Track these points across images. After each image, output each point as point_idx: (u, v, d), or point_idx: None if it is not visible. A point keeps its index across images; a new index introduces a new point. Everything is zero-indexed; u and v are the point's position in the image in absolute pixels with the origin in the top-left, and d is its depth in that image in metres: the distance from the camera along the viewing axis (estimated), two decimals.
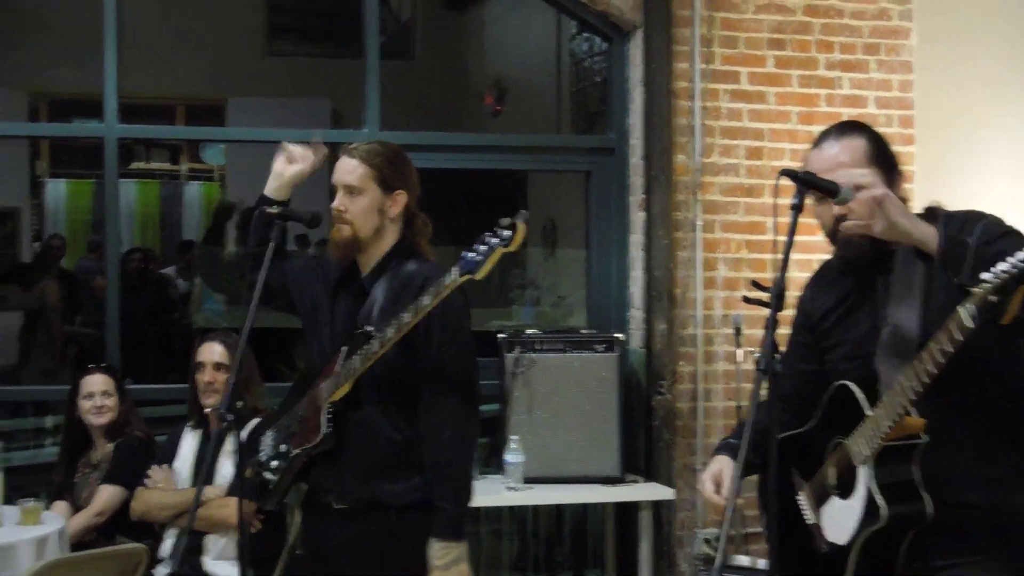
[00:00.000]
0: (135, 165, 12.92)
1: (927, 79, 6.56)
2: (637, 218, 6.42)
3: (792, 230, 2.97)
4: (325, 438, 3.71)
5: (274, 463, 3.85)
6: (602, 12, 6.48)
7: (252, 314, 3.77)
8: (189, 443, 5.39)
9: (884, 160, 3.14)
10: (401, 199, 3.82)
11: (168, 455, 5.41)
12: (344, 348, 3.71)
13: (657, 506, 6.11)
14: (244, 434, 4.21)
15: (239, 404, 3.72)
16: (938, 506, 2.92)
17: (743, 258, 6.41)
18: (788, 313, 3.10)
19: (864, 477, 2.97)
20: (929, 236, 2.92)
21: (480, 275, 3.37)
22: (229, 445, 5.01)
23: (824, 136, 3.22)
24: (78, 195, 12.96)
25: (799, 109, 6.51)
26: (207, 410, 5.26)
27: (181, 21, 11.01)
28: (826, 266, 3.38)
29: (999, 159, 5.91)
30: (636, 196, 6.43)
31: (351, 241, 3.79)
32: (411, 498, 3.71)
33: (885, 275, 3.12)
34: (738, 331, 6.12)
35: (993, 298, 2.58)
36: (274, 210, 3.92)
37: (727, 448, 3.42)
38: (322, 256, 4.08)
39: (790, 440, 3.22)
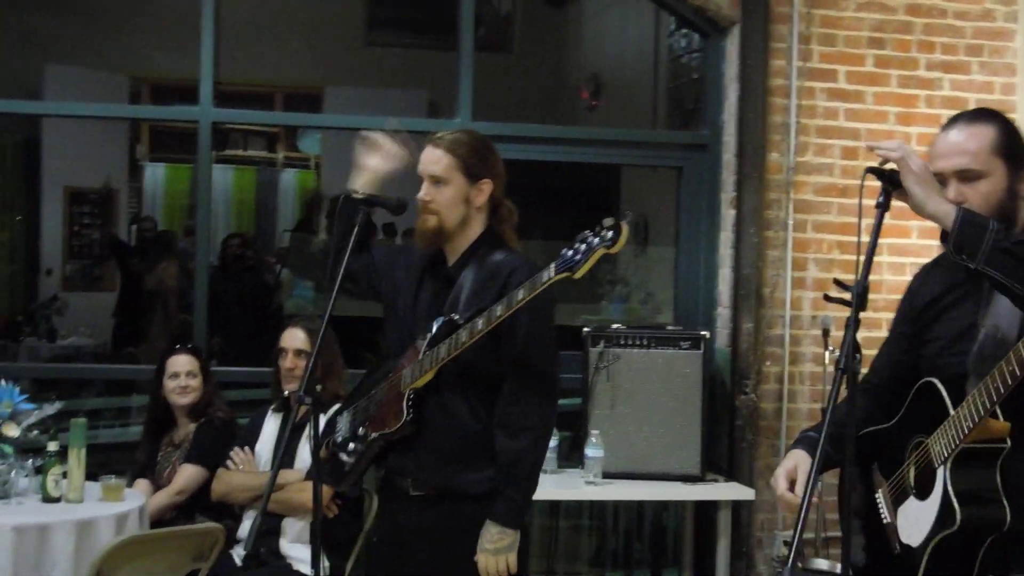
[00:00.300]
0: (231, 152, 13.05)
1: None
2: (728, 215, 6.36)
3: (877, 230, 2.94)
4: (406, 424, 3.72)
5: (351, 445, 3.87)
6: (699, 7, 6.41)
7: (333, 300, 3.78)
8: (271, 427, 5.43)
9: (1013, 153, 3.04)
10: (487, 188, 3.82)
11: (250, 438, 5.44)
12: (428, 335, 3.71)
13: (737, 506, 6.06)
14: (324, 420, 4.23)
15: (318, 389, 3.73)
16: (1017, 515, 2.84)
17: (834, 259, 6.32)
18: (870, 315, 3.05)
19: (941, 479, 2.90)
20: (943, 213, 2.89)
21: (578, 275, 3.35)
22: (309, 430, 5.02)
23: (953, 121, 3.14)
24: (176, 179, 13.12)
25: (897, 110, 6.41)
26: (287, 394, 5.30)
27: (281, 8, 11.11)
28: (943, 256, 3.28)
29: None
30: (727, 193, 6.37)
31: (437, 231, 3.80)
32: (487, 487, 3.72)
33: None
34: (826, 333, 6.02)
35: None
36: (359, 195, 3.92)
37: (805, 442, 3.34)
38: (407, 244, 4.09)
39: (872, 436, 3.16)
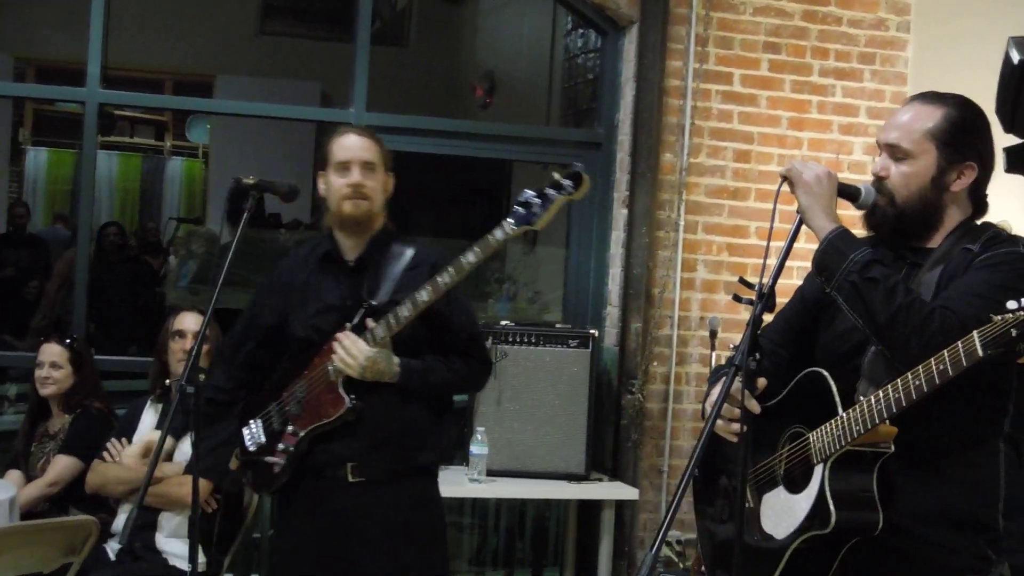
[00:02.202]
0: (117, 139, 12.80)
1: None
2: (619, 215, 6.34)
3: (795, 233, 2.88)
4: (349, 410, 3.77)
5: (280, 446, 3.88)
6: (599, 5, 6.40)
7: (219, 286, 3.72)
8: (149, 418, 5.28)
9: (952, 143, 2.92)
10: (391, 182, 3.96)
11: (128, 429, 5.29)
12: (348, 324, 3.77)
13: (620, 506, 6.05)
14: None
15: (202, 377, 3.66)
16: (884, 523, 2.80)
17: (723, 261, 6.34)
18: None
19: (819, 477, 2.85)
20: (818, 228, 2.86)
21: (539, 225, 3.46)
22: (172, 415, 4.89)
23: (914, 96, 3.07)
24: (59, 165, 12.84)
25: (790, 114, 6.45)
26: (168, 382, 5.18)
27: None
28: None
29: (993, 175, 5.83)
30: (620, 192, 6.35)
31: (367, 216, 3.89)
32: (427, 461, 3.90)
33: (911, 268, 2.95)
34: (714, 334, 6.04)
35: (1014, 332, 2.45)
36: (249, 180, 3.87)
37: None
38: (278, 268, 4.15)
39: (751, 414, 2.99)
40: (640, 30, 6.33)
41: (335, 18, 10.33)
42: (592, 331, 5.97)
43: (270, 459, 3.89)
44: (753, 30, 6.40)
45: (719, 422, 2.98)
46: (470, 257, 3.55)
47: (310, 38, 11.36)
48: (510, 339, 5.89)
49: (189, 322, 5.23)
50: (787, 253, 2.88)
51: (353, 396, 3.76)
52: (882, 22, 6.54)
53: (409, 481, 3.87)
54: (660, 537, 2.57)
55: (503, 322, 6.07)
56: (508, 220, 3.50)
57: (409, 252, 3.87)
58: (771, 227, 2.94)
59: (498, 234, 3.52)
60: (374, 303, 3.77)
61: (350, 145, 3.88)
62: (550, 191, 3.46)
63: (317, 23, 11.33)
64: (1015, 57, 2.01)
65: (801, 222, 2.91)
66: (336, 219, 3.92)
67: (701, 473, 3.27)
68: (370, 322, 3.76)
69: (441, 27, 11.72)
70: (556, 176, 3.49)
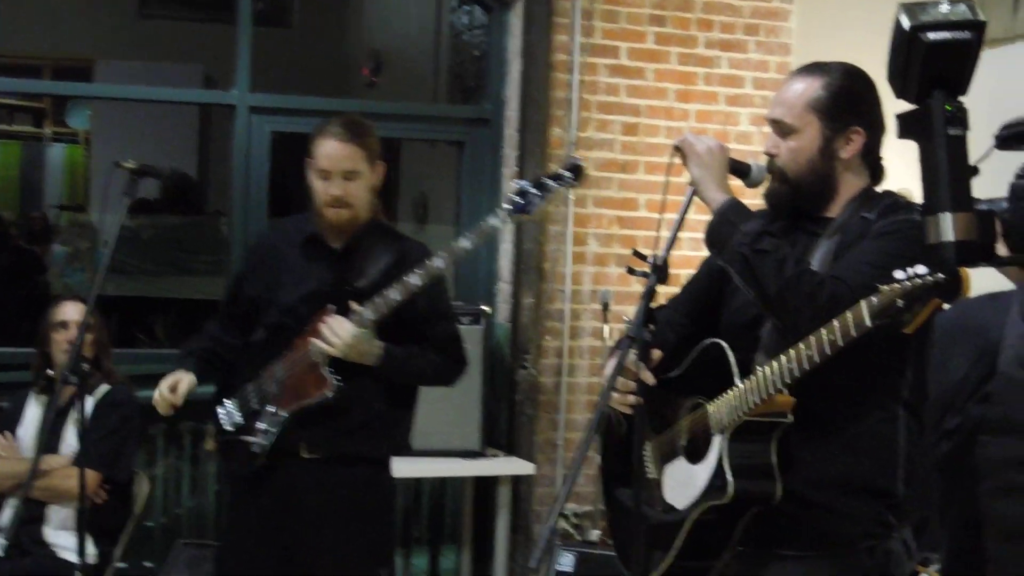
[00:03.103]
0: None
1: (805, 62, 6.52)
2: (509, 191, 6.28)
3: (687, 204, 2.89)
4: (332, 389, 3.76)
5: (262, 426, 3.85)
6: None
7: (101, 275, 3.67)
8: (33, 410, 5.15)
9: (834, 112, 2.92)
10: (381, 169, 3.94)
11: (11, 422, 5.16)
12: (331, 306, 3.76)
13: (516, 481, 6.06)
14: (90, 403, 4.10)
15: (85, 368, 3.60)
16: (783, 492, 2.81)
17: (614, 234, 6.35)
18: (669, 289, 3.03)
19: (718, 447, 2.86)
20: (711, 200, 2.88)
21: (535, 214, 3.51)
22: (75, 412, 4.80)
23: (795, 71, 3.07)
24: None
25: (677, 87, 6.46)
26: (51, 372, 5.06)
27: None
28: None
29: (890, 141, 5.90)
30: (509, 168, 6.33)
31: (351, 223, 3.88)
32: (383, 450, 3.97)
33: (810, 237, 2.95)
34: (606, 307, 6.06)
35: (900, 302, 2.46)
36: (129, 164, 3.81)
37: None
38: (262, 237, 4.20)
39: (647, 387, 2.98)
40: (526, 5, 6.30)
41: (216, 0, 10.19)
42: (484, 307, 5.97)
43: (249, 439, 3.87)
44: (638, 3, 6.40)
45: (615, 395, 2.98)
46: (463, 243, 3.58)
47: (191, 20, 11.20)
48: None
49: (71, 312, 5.11)
50: (679, 225, 2.88)
51: (339, 378, 3.75)
52: None
53: (363, 465, 3.90)
54: (557, 510, 2.57)
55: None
56: (504, 207, 3.53)
57: (394, 243, 3.90)
58: (663, 200, 2.96)
59: (492, 221, 3.55)
60: (360, 286, 3.78)
61: (330, 154, 3.83)
62: (549, 182, 3.49)
63: (198, 5, 11.17)
64: (905, 23, 2.01)
65: (693, 194, 2.91)
66: (324, 225, 3.93)
67: (606, 446, 3.28)
68: (355, 306, 3.74)
69: (325, 7, 11.62)
70: (556, 168, 3.54)
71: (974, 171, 2.08)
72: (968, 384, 1.71)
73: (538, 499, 6.23)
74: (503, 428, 6.25)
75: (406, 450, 4.14)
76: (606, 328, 6.06)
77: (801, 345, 2.67)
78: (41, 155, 12.71)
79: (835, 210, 2.95)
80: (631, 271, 2.98)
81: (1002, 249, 2.02)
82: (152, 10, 11.47)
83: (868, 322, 2.50)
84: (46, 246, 10.64)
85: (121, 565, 5.02)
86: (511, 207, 3.51)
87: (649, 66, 6.43)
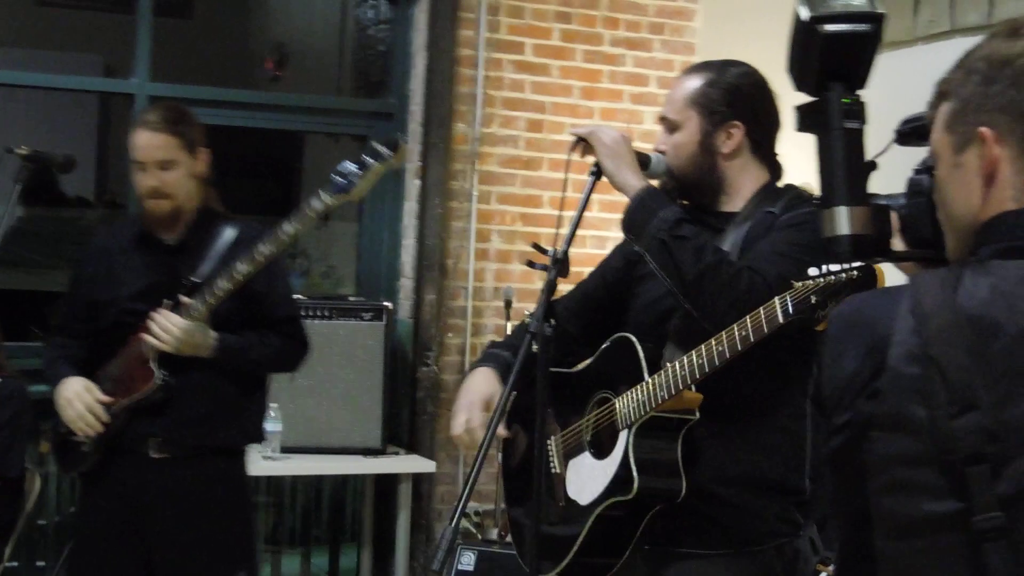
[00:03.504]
0: None
1: None
2: (412, 186, 6.27)
3: (587, 196, 2.87)
4: (160, 387, 3.69)
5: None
6: None
7: None
8: None
9: (713, 103, 2.94)
10: (205, 156, 3.86)
11: None
12: (166, 301, 3.69)
13: (417, 479, 6.01)
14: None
15: None
16: (690, 489, 2.80)
17: (517, 231, 6.32)
18: (565, 287, 3.01)
19: (624, 443, 2.84)
20: (628, 186, 2.86)
21: (355, 195, 3.46)
22: None
23: (684, 70, 3.09)
24: None
25: (582, 84, 6.45)
26: None
27: None
28: None
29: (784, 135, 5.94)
30: (412, 163, 6.28)
31: (174, 213, 3.81)
32: (236, 440, 3.91)
33: (714, 233, 2.94)
34: (508, 304, 6.04)
35: (815, 299, 2.46)
36: (22, 151, 3.73)
37: (493, 359, 3.21)
38: (93, 242, 4.15)
39: (553, 380, 2.94)
40: None
41: None
42: (386, 303, 5.91)
43: (78, 438, 3.78)
44: (544, 0, 6.38)
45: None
46: (287, 228, 3.52)
47: (89, 9, 11.03)
48: (303, 313, 5.74)
49: None
50: (579, 218, 2.87)
51: (164, 372, 3.69)
52: None
53: (214, 459, 3.83)
54: (459, 510, 2.54)
55: (295, 296, 5.94)
56: (323, 192, 3.49)
57: (231, 230, 3.81)
58: (563, 195, 2.94)
59: (315, 204, 3.49)
60: (196, 280, 3.70)
61: (142, 144, 3.76)
62: (367, 159, 3.45)
63: None
64: (803, 14, 2.01)
65: (592, 188, 2.89)
66: (145, 218, 3.87)
67: (506, 442, 3.25)
68: (184, 299, 3.68)
69: None
70: (374, 144, 3.48)
71: (872, 166, 2.09)
72: (858, 380, 1.71)
73: (439, 497, 6.19)
74: (404, 426, 6.20)
75: (258, 438, 4.14)
76: (509, 325, 6.04)
77: (713, 341, 2.66)
78: None
79: (736, 204, 2.97)
80: (531, 264, 2.96)
81: (899, 244, 2.03)
82: None
83: (781, 318, 2.51)
84: None
85: (11, 564, 4.92)
86: (332, 188, 3.47)
87: (554, 63, 6.41)
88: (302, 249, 9.26)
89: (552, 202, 6.35)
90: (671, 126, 2.98)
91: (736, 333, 2.60)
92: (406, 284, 6.30)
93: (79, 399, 3.74)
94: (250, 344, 3.82)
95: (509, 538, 3.39)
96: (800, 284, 2.49)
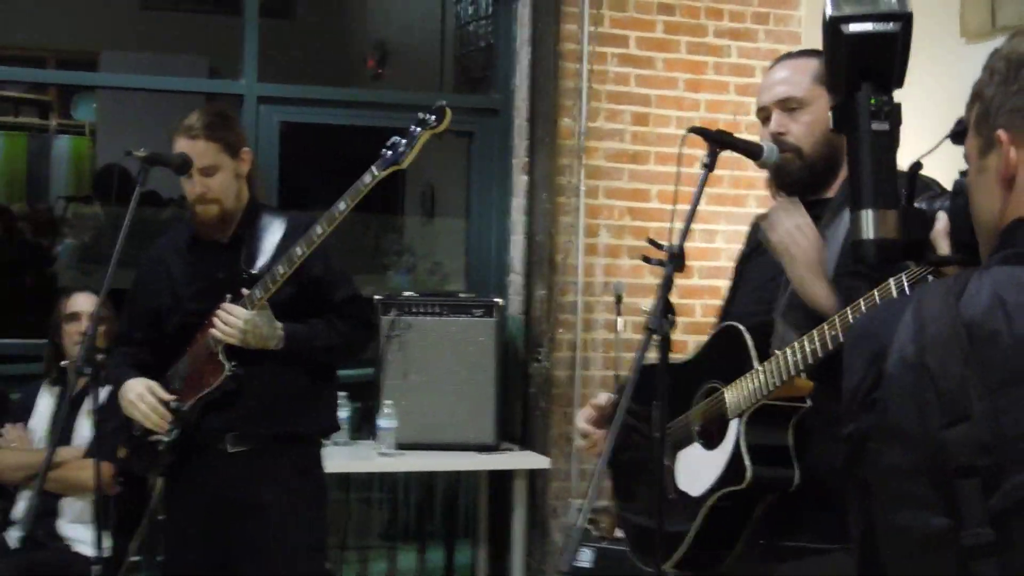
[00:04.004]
0: (2, 119, 12.47)
1: None
2: (519, 181, 6.29)
3: (700, 191, 2.78)
4: (229, 378, 3.72)
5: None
6: None
7: (113, 267, 3.63)
8: (46, 401, 5.17)
9: None
10: (247, 156, 3.90)
11: (23, 413, 5.17)
12: (228, 296, 3.72)
13: (532, 475, 6.01)
14: (103, 394, 4.08)
15: (99, 358, 3.58)
16: (804, 480, 2.76)
17: (626, 225, 6.31)
18: (693, 283, 2.99)
19: (735, 432, 2.81)
20: (819, 303, 2.73)
21: (405, 163, 3.48)
22: (88, 404, 4.78)
23: (778, 59, 3.07)
24: None
25: (686, 76, 6.42)
26: (64, 364, 5.06)
27: None
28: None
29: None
30: (519, 159, 6.30)
31: (221, 217, 3.85)
32: (311, 429, 3.91)
33: (813, 221, 2.89)
34: (619, 299, 6.03)
35: (931, 279, 2.42)
36: (140, 154, 3.78)
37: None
38: (149, 253, 4.15)
39: (655, 368, 2.85)
40: None
41: None
42: (497, 299, 5.92)
43: (155, 438, 3.82)
44: None
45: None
46: (340, 206, 3.54)
47: (194, 12, 11.17)
48: (414, 310, 5.82)
49: (82, 303, 5.12)
50: (693, 212, 2.82)
51: (234, 363, 3.72)
52: None
53: (291, 449, 3.85)
54: (585, 513, 2.53)
55: (406, 293, 5.99)
56: (373, 166, 3.51)
57: (280, 222, 3.86)
58: (676, 189, 2.91)
59: (366, 178, 3.52)
60: (253, 272, 3.74)
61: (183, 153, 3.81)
62: (413, 127, 3.50)
63: None
64: (827, 12, 1.97)
65: (704, 182, 2.84)
66: (197, 223, 3.92)
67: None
68: (245, 291, 3.71)
69: None
70: (420, 114, 3.53)
71: (917, 165, 2.06)
72: (860, 390, 1.67)
73: (553, 493, 6.19)
74: (517, 422, 6.21)
75: (332, 428, 4.13)
76: (619, 320, 6.03)
77: (824, 326, 2.62)
78: (47, 147, 12.69)
79: (832, 190, 2.93)
80: (647, 260, 2.94)
81: (944, 246, 1.99)
82: (155, 1, 11.43)
83: (896, 295, 2.46)
84: (52, 238, 10.61)
85: (135, 558, 5.02)
86: (381, 162, 3.50)
87: (659, 55, 6.39)
88: (407, 246, 9.32)
89: (660, 196, 6.32)
90: (796, 104, 2.92)
91: (849, 316, 2.56)
92: (516, 280, 6.31)
93: (141, 400, 3.77)
94: (317, 331, 3.83)
95: (619, 533, 3.37)
96: (915, 267, 2.45)
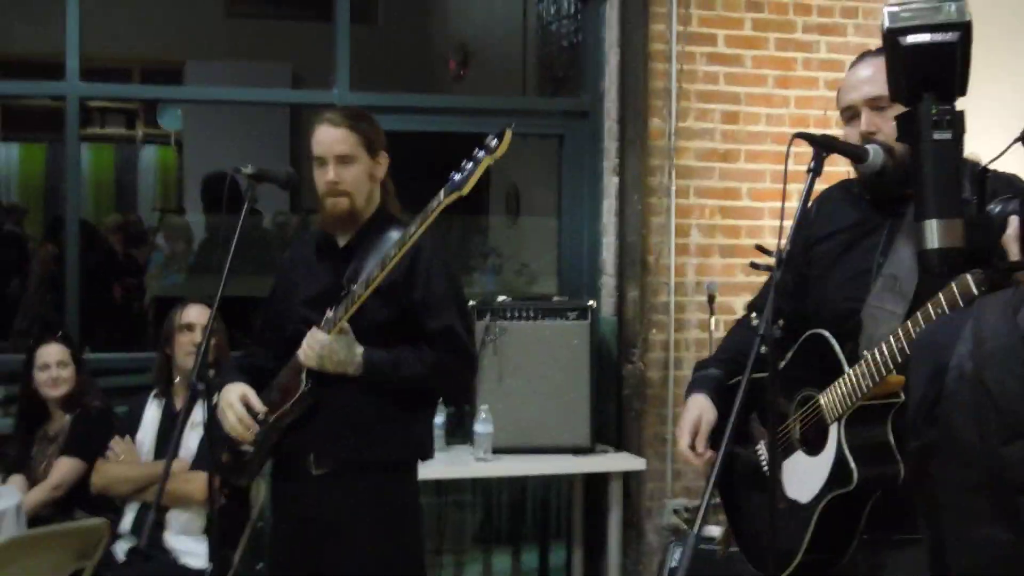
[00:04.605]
0: (90, 130, 12.62)
1: None
2: (610, 183, 6.28)
3: (807, 194, 2.76)
4: (304, 395, 3.65)
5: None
6: None
7: (224, 280, 3.65)
8: (152, 414, 5.22)
9: None
10: (384, 161, 3.82)
11: (130, 426, 5.23)
12: (329, 310, 3.65)
13: (627, 477, 6.01)
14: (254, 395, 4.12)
15: (211, 373, 3.61)
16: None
17: (716, 224, 6.29)
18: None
19: (835, 436, 2.84)
20: None
21: (466, 190, 3.37)
22: (196, 416, 4.80)
23: (861, 56, 3.06)
24: (30, 160, 12.64)
25: (776, 73, 6.39)
26: (176, 380, 5.12)
27: None
28: (834, 190, 3.22)
29: (986, 121, 5.80)
30: (610, 161, 6.29)
31: (349, 213, 3.76)
32: (396, 456, 3.75)
33: (896, 218, 2.91)
34: (711, 299, 6.01)
35: (1003, 264, 2.41)
36: (247, 170, 3.78)
37: (704, 384, 3.26)
38: (288, 255, 4.13)
39: (750, 384, 2.82)
40: None
41: None
42: (591, 302, 5.92)
43: (243, 447, 3.79)
44: None
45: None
46: (411, 229, 3.45)
47: (279, 18, 11.24)
48: (508, 315, 5.83)
49: (196, 315, 5.17)
50: (801, 217, 2.80)
51: (310, 381, 3.65)
52: None
53: (375, 474, 3.72)
54: (700, 519, 2.51)
55: (500, 298, 6.01)
56: (442, 190, 3.41)
57: (395, 234, 3.65)
58: (784, 189, 2.88)
59: (433, 204, 3.42)
60: (354, 287, 3.62)
61: (322, 139, 3.74)
62: (479, 152, 3.40)
63: (283, 3, 11.21)
64: (884, 25, 1.95)
65: (811, 187, 2.82)
66: (324, 218, 3.83)
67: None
68: (329, 311, 3.65)
69: (410, 2, 11.61)
70: (487, 138, 3.42)
71: (984, 172, 2.02)
72: (923, 406, 1.64)
73: (648, 494, 6.19)
74: (612, 423, 6.21)
75: (428, 454, 3.90)
76: (712, 320, 6.02)
77: (909, 323, 2.63)
78: (134, 158, 12.84)
79: None
80: (755, 266, 2.93)
81: (1015, 251, 1.95)
82: (239, 8, 11.52)
83: (975, 291, 2.43)
84: (142, 249, 10.74)
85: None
86: (446, 187, 3.40)
87: (747, 53, 6.36)
88: (493, 247, 9.34)
89: (751, 194, 6.30)
90: (886, 103, 2.86)
91: (931, 311, 2.55)
92: (608, 282, 6.31)
93: (231, 408, 3.72)
94: (400, 360, 3.68)
95: (734, 548, 3.37)
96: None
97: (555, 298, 6.10)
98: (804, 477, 2.94)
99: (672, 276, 6.25)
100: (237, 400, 3.73)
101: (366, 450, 3.70)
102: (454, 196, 3.38)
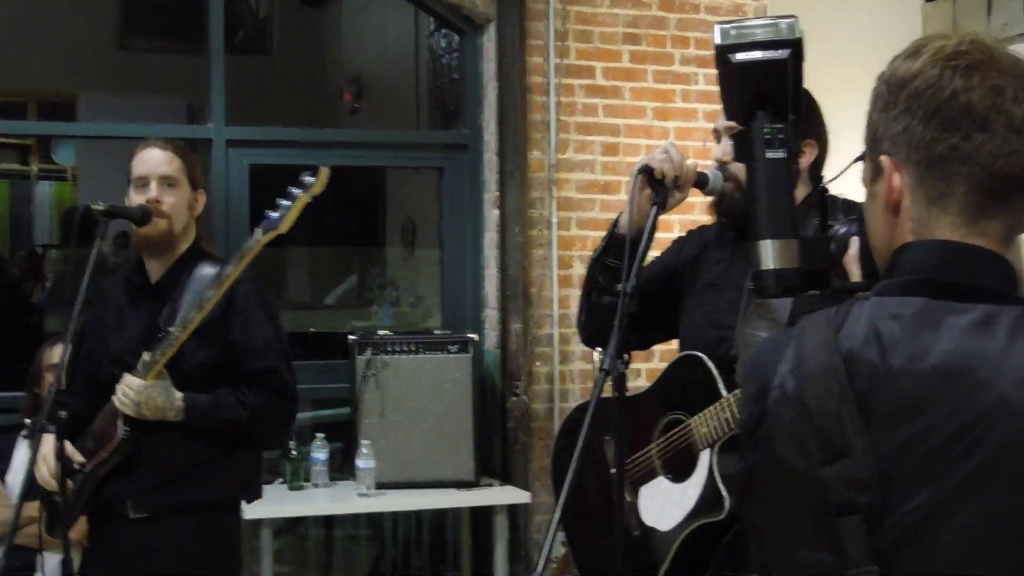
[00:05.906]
0: None
1: None
2: (491, 215, 6.29)
3: (651, 228, 2.76)
4: (121, 443, 3.57)
5: (68, 483, 3.63)
6: (454, 5, 6.34)
7: (76, 319, 3.58)
8: (22, 454, 5.12)
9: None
10: (202, 199, 3.80)
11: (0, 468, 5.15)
12: (145, 354, 3.56)
13: (513, 510, 5.98)
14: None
15: (62, 415, 3.53)
16: None
17: None
18: None
19: (707, 463, 2.82)
20: None
21: (284, 228, 3.36)
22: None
23: None
24: None
25: (654, 105, 6.43)
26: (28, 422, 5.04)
27: (27, 13, 10.64)
28: (701, 229, 3.24)
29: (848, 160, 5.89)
30: (490, 193, 6.30)
31: (166, 236, 3.69)
32: (215, 498, 3.68)
33: None
34: None
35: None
36: (99, 207, 3.72)
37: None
38: (102, 289, 3.98)
39: (607, 403, 2.76)
40: (498, 27, 6.28)
41: (194, 30, 10.15)
42: (472, 335, 5.91)
43: (58, 498, 3.64)
44: (612, 22, 6.38)
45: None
46: (228, 270, 3.43)
47: (171, 51, 11.15)
48: (389, 349, 5.81)
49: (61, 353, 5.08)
50: (645, 252, 2.79)
51: (127, 428, 3.57)
52: (739, 8, 6.54)
53: (194, 517, 3.65)
54: (544, 556, 2.49)
55: (380, 332, 5.99)
56: (257, 229, 3.41)
57: (210, 271, 3.60)
58: (629, 221, 2.87)
59: (249, 243, 3.41)
60: (171, 329, 3.54)
61: (147, 159, 3.70)
62: (293, 190, 3.39)
63: (176, 36, 11.10)
64: (715, 42, 1.96)
65: (655, 221, 2.83)
66: (137, 239, 3.73)
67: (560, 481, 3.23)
68: (146, 355, 3.56)
69: (304, 32, 11.57)
70: (302, 175, 3.41)
71: (823, 191, 2.03)
72: (747, 427, 1.64)
73: (536, 527, 6.18)
74: (497, 456, 6.20)
75: (248, 495, 3.85)
76: (596, 352, 6.03)
77: None
78: (29, 193, 12.68)
79: None
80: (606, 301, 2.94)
81: (856, 272, 1.97)
82: (132, 42, 11.40)
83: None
84: (36, 284, 10.60)
85: None
86: (263, 225, 3.40)
87: (626, 85, 6.40)
88: (390, 280, 9.31)
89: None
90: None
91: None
92: (491, 314, 6.31)
93: (44, 461, 3.62)
94: (220, 403, 3.61)
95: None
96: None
97: (436, 331, 6.09)
98: (665, 504, 2.92)
99: (556, 308, 6.26)
100: (50, 452, 3.60)
101: (185, 494, 3.63)
102: (272, 235, 3.37)
